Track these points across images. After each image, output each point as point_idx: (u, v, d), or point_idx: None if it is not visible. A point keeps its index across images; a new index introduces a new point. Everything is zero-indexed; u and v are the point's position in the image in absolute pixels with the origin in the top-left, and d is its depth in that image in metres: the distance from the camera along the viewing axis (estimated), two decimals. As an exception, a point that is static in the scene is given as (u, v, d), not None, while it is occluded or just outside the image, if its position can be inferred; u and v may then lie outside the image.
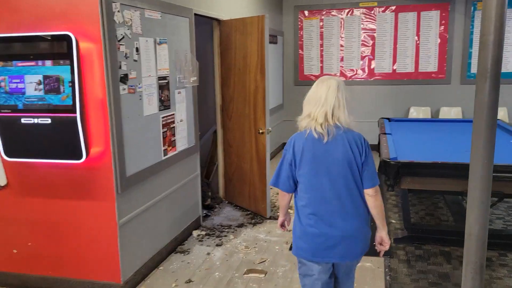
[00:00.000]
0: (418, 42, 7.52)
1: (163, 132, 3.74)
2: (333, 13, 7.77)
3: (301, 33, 7.93)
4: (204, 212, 4.83)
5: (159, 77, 3.63)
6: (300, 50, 7.97)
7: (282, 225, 2.57)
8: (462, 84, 7.46)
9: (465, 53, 7.35)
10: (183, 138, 4.13)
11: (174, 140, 3.95)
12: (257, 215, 4.88)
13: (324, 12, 7.80)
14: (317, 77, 7.90)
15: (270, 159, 6.70)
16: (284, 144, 8.58)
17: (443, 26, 7.38)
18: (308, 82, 8.00)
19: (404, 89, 7.71)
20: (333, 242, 2.27)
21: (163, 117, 3.72)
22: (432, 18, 7.42)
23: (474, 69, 7.36)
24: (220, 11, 5.02)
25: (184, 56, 4.07)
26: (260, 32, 4.56)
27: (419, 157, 3.95)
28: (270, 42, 7.07)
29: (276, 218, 4.77)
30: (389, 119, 6.25)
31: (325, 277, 2.35)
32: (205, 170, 5.50)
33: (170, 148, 3.88)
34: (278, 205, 2.81)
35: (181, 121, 4.06)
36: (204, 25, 5.23)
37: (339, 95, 2.32)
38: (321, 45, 7.87)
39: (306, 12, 7.88)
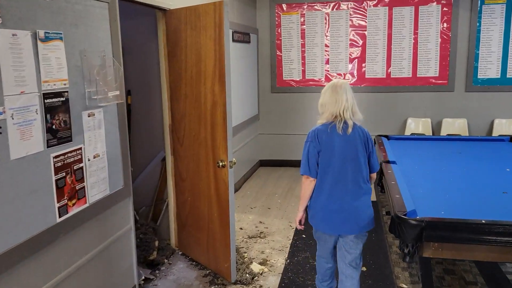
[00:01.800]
0: (416, 42, 6.22)
1: (57, 180, 2.32)
2: (316, 7, 6.42)
3: (279, 30, 6.57)
4: (144, 277, 3.41)
5: (45, 94, 2.21)
6: (278, 51, 6.60)
7: (300, 222, 2.83)
8: (467, 92, 6.19)
9: (471, 55, 6.08)
10: (102, 182, 2.72)
11: (83, 188, 2.54)
12: (218, 277, 3.49)
13: (305, 6, 6.44)
14: (298, 82, 6.55)
15: (236, 191, 5.35)
16: (260, 161, 7.26)
17: (445, 23, 6.09)
18: (288, 88, 6.64)
19: (400, 97, 6.41)
20: (345, 217, 2.64)
21: (57, 156, 2.31)
22: (432, 14, 6.14)
23: (481, 74, 6.10)
24: (166, -2, 3.62)
25: (100, 59, 2.66)
26: (218, 26, 3.17)
27: (449, 209, 2.63)
28: (242, 41, 5.68)
29: (244, 283, 3.40)
30: (387, 137, 4.92)
31: (331, 246, 2.80)
32: (152, 211, 4.09)
33: (74, 201, 2.47)
34: (300, 197, 2.79)
35: (96, 157, 2.65)
36: (148, 16, 3.82)
37: (352, 94, 2.72)
38: (303, 45, 6.52)
39: (284, 6, 6.51)
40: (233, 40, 5.36)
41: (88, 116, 2.57)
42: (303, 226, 2.81)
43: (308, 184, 2.68)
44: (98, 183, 2.68)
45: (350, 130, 2.62)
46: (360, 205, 2.64)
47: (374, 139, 4.91)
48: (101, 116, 2.70)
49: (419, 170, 3.56)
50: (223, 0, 3.10)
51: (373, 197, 5.32)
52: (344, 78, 6.49)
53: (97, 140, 2.66)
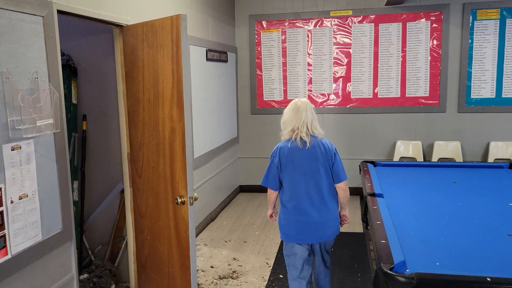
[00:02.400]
0: (404, 60, 5.93)
1: (-37, 230, 1.91)
2: (298, 24, 6.12)
3: (259, 49, 6.25)
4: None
5: None
6: (258, 70, 6.27)
7: (271, 216, 3.13)
8: (460, 113, 5.88)
9: (463, 74, 5.80)
10: (31, 227, 2.30)
11: (2, 236, 2.13)
12: (179, 331, 3.06)
13: (286, 23, 6.15)
14: (279, 103, 6.21)
15: (212, 221, 4.94)
16: (240, 187, 6.86)
17: (435, 40, 5.82)
18: (269, 110, 6.30)
19: (388, 119, 6.08)
20: (312, 227, 2.86)
21: (-37, 201, 1.90)
22: (421, 30, 5.86)
23: (475, 94, 5.80)
24: (122, 11, 3.26)
25: (29, 82, 2.27)
26: (175, 43, 2.81)
27: (445, 259, 2.26)
28: (218, 60, 5.34)
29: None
30: (373, 163, 4.57)
31: (305, 255, 2.94)
32: (109, 250, 3.67)
33: (-10, 253, 2.05)
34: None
35: (24, 197, 2.24)
36: (106, 33, 3.46)
37: (313, 111, 2.99)
38: (284, 64, 6.20)
39: (264, 23, 6.21)
40: (207, 59, 5.02)
41: (12, 150, 2.18)
42: (273, 219, 3.12)
43: (270, 193, 3.00)
44: (25, 229, 2.27)
45: (308, 144, 2.84)
46: (325, 216, 2.87)
47: (359, 165, 4.56)
48: (31, 149, 2.30)
49: (410, 206, 3.19)
50: (181, 14, 2.74)
51: (358, 228, 5.00)
52: (328, 99, 6.17)
53: (25, 178, 2.26)
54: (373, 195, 3.35)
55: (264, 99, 6.29)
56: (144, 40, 3.07)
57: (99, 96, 3.59)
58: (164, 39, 2.88)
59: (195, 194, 2.92)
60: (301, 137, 2.83)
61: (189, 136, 2.84)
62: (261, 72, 6.26)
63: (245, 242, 4.66)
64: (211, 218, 5.29)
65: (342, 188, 2.90)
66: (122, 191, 3.55)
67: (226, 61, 5.71)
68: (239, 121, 6.39)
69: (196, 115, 4.73)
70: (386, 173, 4.20)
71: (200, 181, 4.93)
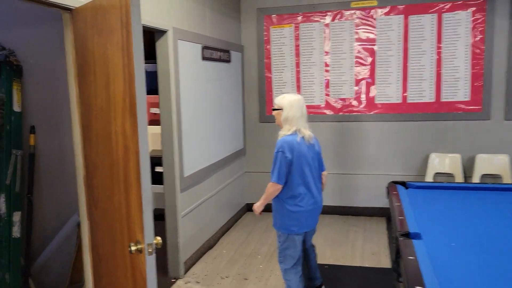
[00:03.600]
0: (439, 58, 4.99)
1: None
2: (313, 17, 5.25)
3: (268, 47, 5.40)
4: None
5: None
6: (267, 72, 5.42)
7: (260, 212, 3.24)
8: (507, 120, 4.89)
9: (511, 75, 4.82)
10: None
11: None
12: None
13: (300, 17, 5.28)
14: (291, 110, 5.30)
15: (210, 248, 3.98)
16: (248, 205, 6.01)
17: (477, 35, 4.86)
18: (279, 117, 5.42)
19: (420, 128, 5.14)
20: (314, 213, 3.15)
21: None
22: (460, 22, 4.91)
23: (526, 98, 4.80)
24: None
25: None
26: (126, 27, 1.97)
27: None
28: (217, 60, 4.53)
29: None
30: (405, 185, 3.65)
31: (301, 244, 3.14)
32: (62, 299, 2.87)
33: None
34: (264, 198, 3.12)
35: None
36: (58, 20, 2.68)
37: None
38: (297, 65, 5.33)
39: (274, 18, 5.36)
40: (204, 58, 4.20)
41: None
42: (262, 213, 3.22)
43: (275, 190, 3.03)
44: None
45: (312, 140, 3.11)
46: (321, 201, 3.20)
47: (387, 187, 3.65)
48: None
49: (459, 253, 2.27)
50: (132, -12, 1.91)
51: (384, 261, 4.05)
52: (349, 104, 5.26)
53: None
54: (407, 235, 2.45)
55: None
56: (93, 25, 2.26)
57: (52, 102, 2.81)
58: (112, 23, 2.06)
59: (157, 239, 2.07)
60: (305, 134, 3.03)
61: (145, 158, 2.00)
62: (271, 74, 5.41)
63: (246, 279, 3.80)
64: (209, 245, 4.44)
65: (325, 175, 3.29)
66: (79, 225, 2.75)
67: (228, 61, 4.88)
68: (245, 131, 5.55)
69: (190, 123, 3.91)
70: (421, 199, 3.28)
71: (197, 201, 4.10)
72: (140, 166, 1.99)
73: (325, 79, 5.27)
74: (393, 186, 3.59)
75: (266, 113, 5.47)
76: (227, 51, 4.84)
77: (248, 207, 5.68)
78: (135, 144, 2.00)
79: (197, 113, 4.07)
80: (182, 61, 3.75)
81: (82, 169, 2.61)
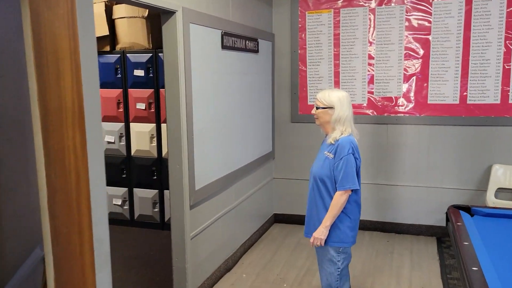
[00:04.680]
0: (509, 51, 4.06)
1: None
2: (356, 1, 4.41)
3: (303, 36, 4.61)
4: None
5: None
6: (301, 65, 4.64)
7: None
8: None
9: None
10: None
11: None
12: None
13: (340, 1, 4.46)
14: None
15: (228, 270, 3.41)
16: (275, 216, 5.30)
17: (558, 22, 3.90)
18: (312, 117, 4.63)
19: (482, 134, 4.23)
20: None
21: None
22: (536, 7, 3.96)
23: None
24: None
25: None
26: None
27: None
28: (242, 50, 3.81)
29: None
30: (469, 210, 2.81)
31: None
32: None
33: None
34: (332, 216, 2.49)
35: None
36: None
37: None
38: (337, 56, 4.52)
39: (310, 2, 4.55)
40: (223, 47, 3.47)
41: None
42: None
43: (345, 200, 2.51)
44: None
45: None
46: None
47: (446, 213, 2.83)
48: None
49: None
50: None
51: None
52: (396, 104, 4.42)
53: None
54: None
55: (309, 103, 4.64)
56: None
57: (15, 98, 2.16)
58: (58, -15, 1.35)
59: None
60: (356, 137, 2.63)
61: (99, 192, 1.30)
62: (306, 67, 4.62)
63: (266, 316, 3.08)
64: (227, 267, 3.74)
65: None
66: (44, 260, 2.10)
67: (256, 51, 4.13)
68: (275, 132, 4.80)
69: (205, 124, 3.20)
70: (496, 236, 2.44)
71: (211, 218, 3.40)
72: (90, 202, 1.29)
73: (369, 74, 4.44)
74: (455, 212, 2.75)
75: (299, 111, 4.69)
76: (255, 40, 4.09)
77: (276, 218, 4.93)
78: (84, 170, 1.30)
79: (214, 112, 3.36)
80: (195, 49, 3.03)
81: (45, 189, 1.95)
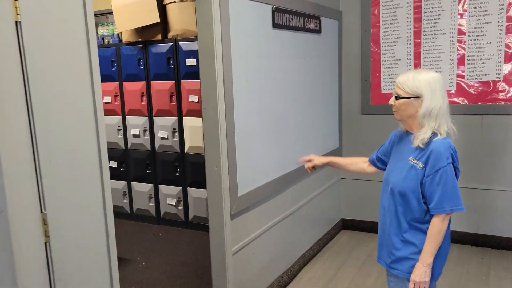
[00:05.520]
0: None
1: None
2: (443, -35, 3.58)
3: (377, 11, 3.86)
4: None
5: None
6: (374, 46, 3.90)
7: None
8: None
9: None
10: None
11: None
12: None
13: (423, -33, 3.65)
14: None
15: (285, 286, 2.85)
16: (343, 221, 4.59)
17: None
18: (389, 107, 3.88)
19: None
20: None
21: None
22: None
23: None
24: None
25: None
26: None
27: None
28: (301, 30, 3.23)
29: None
30: None
31: None
32: None
33: None
34: (434, 246, 1.80)
35: None
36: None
37: None
38: (417, 34, 3.71)
39: (385, -30, 3.80)
40: (276, 26, 2.89)
41: None
42: None
43: (446, 224, 1.82)
44: None
45: None
46: None
47: None
48: None
49: None
50: None
51: None
52: (494, 90, 3.53)
53: None
54: None
55: (383, 91, 3.90)
56: None
57: None
58: None
59: None
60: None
61: None
62: (379, 49, 3.87)
63: None
64: (282, 283, 3.16)
65: None
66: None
67: (318, 31, 3.49)
68: (342, 125, 4.11)
69: (250, 118, 2.66)
70: None
71: (259, 228, 2.85)
72: None
73: (458, 54, 3.59)
74: None
75: (371, 101, 3.97)
76: (317, 18, 3.45)
77: (344, 224, 4.26)
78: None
79: (262, 104, 2.79)
80: (237, 29, 2.49)
81: None
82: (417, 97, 1.79)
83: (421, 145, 1.79)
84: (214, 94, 2.39)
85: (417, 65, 3.71)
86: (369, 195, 3.98)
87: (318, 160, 2.30)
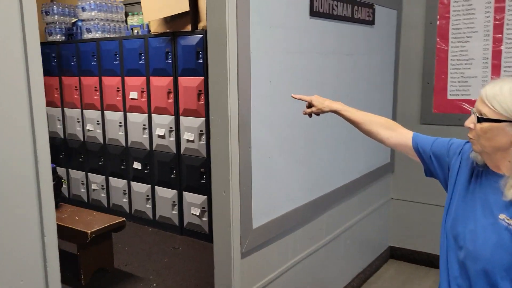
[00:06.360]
0: None
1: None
2: None
3: (446, 0, 3.12)
4: None
5: None
6: (441, 42, 3.15)
7: None
8: None
9: None
10: None
11: None
12: None
13: None
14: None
15: None
16: (391, 249, 3.51)
17: None
18: (457, 117, 3.12)
19: None
20: None
21: None
22: None
23: None
24: None
25: None
26: None
27: None
28: (349, 20, 2.57)
29: None
30: None
31: None
32: None
33: None
34: None
35: None
36: None
37: None
38: (498, 28, 2.93)
39: None
40: (315, 14, 2.27)
41: None
42: None
43: None
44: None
45: None
46: None
47: None
48: None
49: None
50: None
51: None
52: None
53: None
54: None
55: (449, 97, 3.15)
56: None
57: None
58: None
59: None
60: None
61: None
62: (447, 45, 3.13)
63: None
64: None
65: None
66: None
67: (370, 22, 2.81)
68: (396, 135, 3.42)
69: (277, 129, 2.09)
70: None
71: (292, 258, 2.28)
72: None
73: (553, 54, 2.79)
74: None
75: (433, 109, 3.23)
76: (370, 6, 2.78)
77: (393, 253, 3.56)
78: None
79: (291, 112, 2.18)
80: (260, 14, 1.90)
81: None
82: (508, 121, 1.14)
83: None
84: (224, 98, 1.83)
85: (496, 66, 2.93)
86: (425, 220, 3.27)
87: (321, 104, 1.65)
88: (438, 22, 3.11)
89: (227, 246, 1.92)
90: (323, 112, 1.66)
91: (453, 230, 1.29)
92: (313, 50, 2.30)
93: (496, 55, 2.92)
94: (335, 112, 1.65)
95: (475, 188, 1.29)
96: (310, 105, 1.69)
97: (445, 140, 1.45)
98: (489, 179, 1.25)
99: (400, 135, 1.54)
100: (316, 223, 2.53)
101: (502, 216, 1.17)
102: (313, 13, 2.25)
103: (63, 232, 2.92)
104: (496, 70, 2.92)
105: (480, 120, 1.18)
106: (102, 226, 3.07)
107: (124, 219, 3.26)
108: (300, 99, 1.71)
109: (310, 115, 1.70)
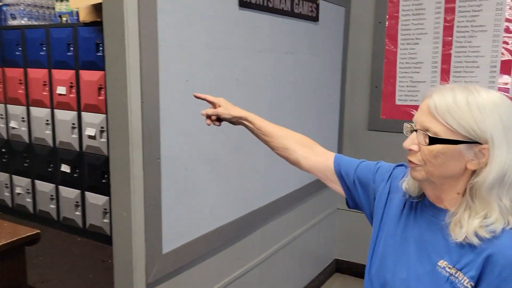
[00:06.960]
0: None
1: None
2: None
3: (396, -2, 2.90)
4: None
5: None
6: (389, 43, 2.93)
7: None
8: None
9: None
10: None
11: None
12: None
13: None
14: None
15: None
16: (337, 262, 3.25)
17: None
18: (402, 123, 2.91)
19: None
20: None
21: None
22: None
23: None
24: None
25: None
26: None
27: None
28: (287, 14, 2.25)
29: None
30: None
31: None
32: None
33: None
34: None
35: None
36: None
37: None
38: (448, 30, 2.74)
39: None
40: (244, 4, 1.97)
41: None
42: None
43: None
44: None
45: None
46: None
47: None
48: None
49: None
50: None
51: None
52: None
53: None
54: None
55: (398, 103, 2.94)
56: None
57: None
58: None
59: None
60: None
61: None
62: (396, 47, 2.91)
63: None
64: None
65: None
66: None
67: (314, 18, 2.55)
68: (342, 144, 3.17)
69: (207, 135, 1.78)
70: None
71: (225, 277, 1.98)
72: None
73: (502, 59, 2.61)
74: None
75: (382, 115, 3.01)
76: (313, 1, 2.52)
77: (338, 266, 3.33)
78: None
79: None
80: (169, 3, 1.59)
81: None
82: (476, 142, 0.87)
83: (475, 243, 0.86)
84: (123, 100, 1.50)
85: (445, 71, 2.74)
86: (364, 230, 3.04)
87: (226, 111, 1.36)
88: (387, 23, 2.89)
89: (129, 277, 1.59)
90: (230, 116, 1.35)
91: (379, 276, 1.03)
92: (244, 46, 2.00)
93: (446, 59, 2.72)
94: (243, 119, 1.35)
95: (407, 223, 1.02)
96: (215, 108, 1.38)
97: (371, 164, 1.18)
98: (426, 212, 0.98)
99: (320, 155, 1.25)
100: (247, 241, 2.24)
101: (442, 263, 0.90)
102: (243, 3, 1.94)
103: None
104: (445, 74, 2.73)
105: (432, 141, 0.89)
106: (9, 240, 2.66)
107: (38, 231, 2.84)
108: (205, 100, 1.40)
109: (218, 120, 1.39)
